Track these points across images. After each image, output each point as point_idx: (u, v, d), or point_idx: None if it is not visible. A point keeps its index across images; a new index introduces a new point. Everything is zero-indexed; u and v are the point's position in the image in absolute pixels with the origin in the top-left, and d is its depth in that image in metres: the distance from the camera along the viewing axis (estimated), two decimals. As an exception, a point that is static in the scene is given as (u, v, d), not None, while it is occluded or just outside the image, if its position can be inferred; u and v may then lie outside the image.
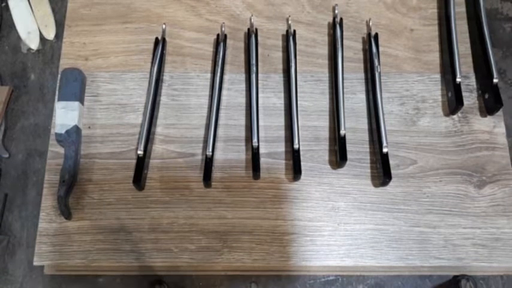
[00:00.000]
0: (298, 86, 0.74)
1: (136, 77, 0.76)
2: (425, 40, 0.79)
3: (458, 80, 0.72)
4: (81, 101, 0.73)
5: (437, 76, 0.77)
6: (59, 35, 0.85)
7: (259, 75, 0.75)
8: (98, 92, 0.75)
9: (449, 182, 0.70)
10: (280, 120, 0.73)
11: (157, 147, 0.72)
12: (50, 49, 0.85)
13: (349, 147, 0.70)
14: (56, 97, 0.72)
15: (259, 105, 0.72)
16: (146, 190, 0.69)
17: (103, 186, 0.70)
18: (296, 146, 0.69)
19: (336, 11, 0.78)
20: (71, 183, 0.68)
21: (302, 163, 0.69)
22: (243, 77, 0.76)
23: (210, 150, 0.68)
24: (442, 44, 0.78)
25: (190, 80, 0.76)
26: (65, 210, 0.66)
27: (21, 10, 0.86)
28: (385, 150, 0.68)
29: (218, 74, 0.73)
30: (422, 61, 0.78)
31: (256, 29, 0.77)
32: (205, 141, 0.71)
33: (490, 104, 0.72)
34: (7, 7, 0.86)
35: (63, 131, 0.70)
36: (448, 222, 0.68)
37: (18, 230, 0.74)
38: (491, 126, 0.74)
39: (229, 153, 0.71)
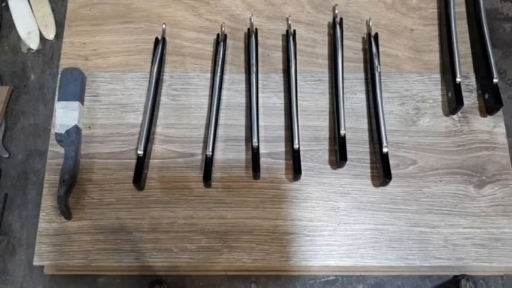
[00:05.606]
0: (298, 86, 0.74)
1: (136, 77, 0.76)
2: (425, 40, 0.79)
3: (458, 80, 0.72)
4: (81, 101, 0.73)
5: (437, 76, 0.77)
6: (59, 35, 0.85)
7: (259, 75, 0.75)
8: (98, 92, 0.75)
9: (449, 182, 0.70)
10: (280, 120, 0.73)
11: (157, 147, 0.72)
12: (50, 49, 0.85)
13: (349, 147, 0.70)
14: (56, 97, 0.72)
15: (259, 105, 0.72)
16: (146, 190, 0.69)
17: (103, 186, 0.70)
18: (296, 146, 0.69)
19: (336, 11, 0.78)
20: (71, 183, 0.68)
21: (302, 163, 0.69)
22: (243, 77, 0.76)
23: (210, 150, 0.68)
24: (442, 44, 0.78)
25: (190, 80, 0.76)
26: (65, 210, 0.66)
27: (21, 10, 0.86)
28: (385, 150, 0.68)
29: (218, 74, 0.73)
30: (422, 61, 0.78)
31: (256, 29, 0.77)
32: (205, 141, 0.71)
33: (490, 104, 0.72)
34: (7, 7, 0.86)
35: (63, 131, 0.70)
36: (448, 222, 0.68)
37: (18, 230, 0.74)
38: (491, 126, 0.74)
39: (229, 153, 0.71)
